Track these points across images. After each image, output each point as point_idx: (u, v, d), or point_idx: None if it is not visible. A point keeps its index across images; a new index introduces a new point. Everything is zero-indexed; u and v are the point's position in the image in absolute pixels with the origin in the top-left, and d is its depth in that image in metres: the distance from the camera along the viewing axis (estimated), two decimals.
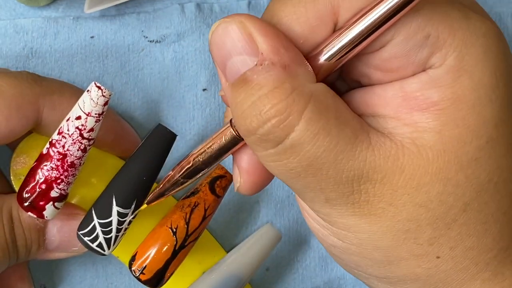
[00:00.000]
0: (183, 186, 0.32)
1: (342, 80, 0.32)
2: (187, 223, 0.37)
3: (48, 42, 0.40)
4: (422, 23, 0.27)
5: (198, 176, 0.32)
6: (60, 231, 0.37)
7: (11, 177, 0.38)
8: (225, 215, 0.43)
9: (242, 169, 0.31)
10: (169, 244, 0.37)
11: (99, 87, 0.33)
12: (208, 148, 0.31)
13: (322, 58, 0.28)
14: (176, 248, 0.37)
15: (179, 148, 0.41)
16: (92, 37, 0.40)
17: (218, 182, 0.38)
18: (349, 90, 0.30)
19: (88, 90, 0.34)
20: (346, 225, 0.29)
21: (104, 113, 0.34)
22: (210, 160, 0.31)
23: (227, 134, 0.30)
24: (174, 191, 0.32)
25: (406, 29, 0.27)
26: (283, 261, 0.44)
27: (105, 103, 0.34)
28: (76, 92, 0.37)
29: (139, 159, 0.35)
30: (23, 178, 0.36)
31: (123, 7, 0.41)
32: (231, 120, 0.30)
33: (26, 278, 0.40)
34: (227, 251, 0.42)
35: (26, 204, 0.35)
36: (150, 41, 0.41)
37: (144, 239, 0.37)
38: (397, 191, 0.28)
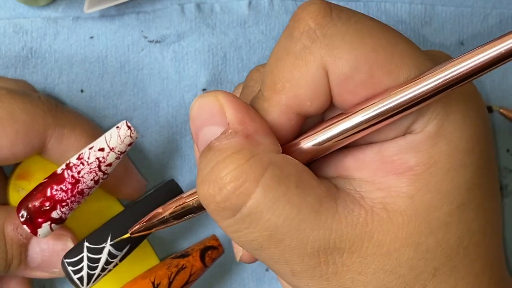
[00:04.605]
0: (171, 224, 0.32)
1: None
2: (170, 283, 0.37)
3: (48, 42, 0.40)
4: None
5: (187, 217, 0.31)
6: (43, 249, 0.36)
7: (9, 187, 0.37)
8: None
9: None
10: None
11: (129, 127, 0.34)
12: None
13: (311, 143, 0.28)
14: None
15: (179, 148, 0.41)
16: (91, 37, 0.40)
17: (209, 252, 0.38)
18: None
19: (117, 127, 0.34)
20: None
21: (125, 153, 0.35)
22: (201, 205, 0.30)
23: None
24: (161, 227, 0.32)
25: None
26: None
27: (130, 144, 0.34)
28: (88, 129, 0.37)
29: (144, 206, 0.35)
30: (21, 190, 0.36)
31: (122, 7, 0.40)
32: None
33: (27, 284, 0.39)
34: None
35: (24, 217, 0.34)
36: (150, 41, 0.41)
37: (124, 286, 0.37)
38: (366, 258, 0.28)
